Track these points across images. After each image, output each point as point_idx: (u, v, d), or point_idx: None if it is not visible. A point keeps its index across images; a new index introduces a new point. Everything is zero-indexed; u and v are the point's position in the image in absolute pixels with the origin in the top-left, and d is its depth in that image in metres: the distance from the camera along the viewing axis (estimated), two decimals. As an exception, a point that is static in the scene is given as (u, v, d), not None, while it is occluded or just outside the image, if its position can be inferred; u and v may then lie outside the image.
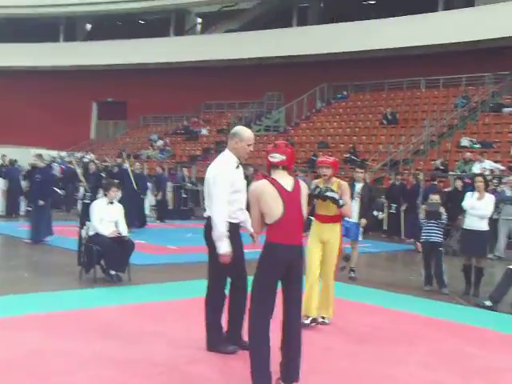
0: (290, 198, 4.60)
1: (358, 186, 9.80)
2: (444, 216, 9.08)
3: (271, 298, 4.56)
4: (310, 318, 6.44)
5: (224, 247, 5.13)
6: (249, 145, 5.39)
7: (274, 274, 4.56)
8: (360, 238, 9.90)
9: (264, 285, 4.56)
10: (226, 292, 5.44)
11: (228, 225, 5.19)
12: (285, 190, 4.61)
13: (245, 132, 5.42)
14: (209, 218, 5.27)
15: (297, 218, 4.63)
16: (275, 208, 4.56)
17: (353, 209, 9.41)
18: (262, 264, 4.59)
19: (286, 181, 4.68)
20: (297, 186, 4.69)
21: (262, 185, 4.66)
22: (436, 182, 16.12)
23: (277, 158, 4.76)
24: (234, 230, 5.33)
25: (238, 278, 5.43)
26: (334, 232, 6.55)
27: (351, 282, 9.49)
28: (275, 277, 4.57)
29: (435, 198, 9.37)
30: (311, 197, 5.97)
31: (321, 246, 6.54)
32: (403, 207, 16.18)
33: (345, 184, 6.66)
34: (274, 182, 4.63)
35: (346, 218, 9.28)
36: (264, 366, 4.46)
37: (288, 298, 4.64)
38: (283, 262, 4.55)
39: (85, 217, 13.38)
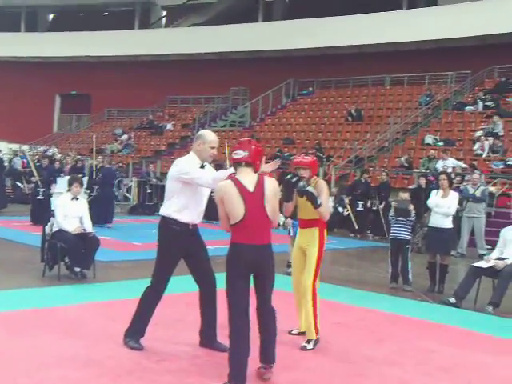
0: (251, 199, 4.59)
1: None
2: (413, 213, 9.15)
3: (243, 297, 4.58)
4: (298, 331, 6.17)
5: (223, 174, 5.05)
6: (212, 147, 5.39)
7: (240, 273, 4.59)
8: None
9: (233, 285, 4.61)
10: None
11: (182, 224, 5.32)
12: (246, 190, 4.61)
13: (209, 135, 5.45)
14: (163, 217, 5.40)
15: (260, 217, 4.62)
16: (237, 209, 4.58)
17: None
18: (228, 265, 4.67)
19: (249, 179, 4.66)
20: (260, 185, 4.65)
21: (224, 186, 4.67)
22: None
23: (239, 154, 4.73)
24: (189, 229, 5.41)
25: (204, 276, 5.52)
26: (312, 238, 6.02)
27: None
28: (242, 276, 4.60)
29: (405, 195, 9.45)
30: (288, 188, 5.61)
31: (301, 253, 6.14)
32: (381, 206, 15.63)
33: (322, 183, 6.06)
34: (237, 182, 4.63)
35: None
36: (241, 365, 4.50)
37: (260, 294, 4.73)
38: (248, 262, 4.59)
39: (38, 213, 13.29)
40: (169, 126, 30.81)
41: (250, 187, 4.63)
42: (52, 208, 13.75)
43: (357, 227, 16.17)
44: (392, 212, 9.39)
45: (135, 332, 5.48)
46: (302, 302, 6.02)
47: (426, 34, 24.99)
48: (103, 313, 6.64)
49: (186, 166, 5.30)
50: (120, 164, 23.41)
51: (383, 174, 16.93)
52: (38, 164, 17.54)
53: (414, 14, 26.38)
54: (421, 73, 25.13)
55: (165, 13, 38.44)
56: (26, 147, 29.66)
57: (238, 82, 29.68)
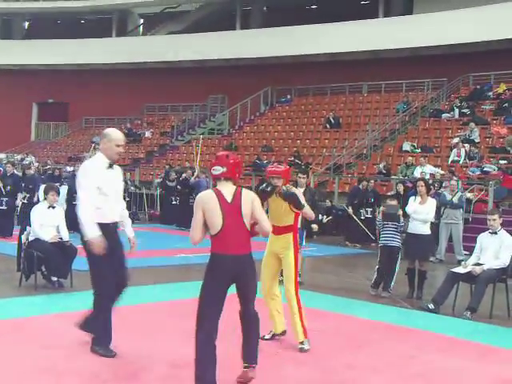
0: (229, 210, 4.65)
1: (301, 191, 9.80)
2: (402, 220, 9.17)
3: (215, 310, 4.62)
4: (272, 333, 6.23)
5: (90, 232, 5.24)
6: (118, 145, 5.50)
7: (218, 284, 4.62)
8: (304, 243, 9.91)
9: (209, 296, 4.63)
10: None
11: (100, 225, 5.34)
12: (225, 201, 4.67)
13: (114, 133, 5.59)
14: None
15: (239, 228, 4.68)
16: (216, 219, 4.63)
17: None
18: (207, 275, 4.67)
19: (228, 191, 4.73)
20: (237, 197, 4.71)
21: (206, 196, 4.74)
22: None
23: (217, 170, 4.78)
24: (109, 230, 5.47)
25: (121, 277, 5.62)
26: (287, 244, 6.12)
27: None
28: (220, 287, 4.62)
29: (393, 202, 9.49)
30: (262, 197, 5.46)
31: (274, 260, 6.24)
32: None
33: (296, 190, 6.32)
34: (218, 194, 4.69)
35: None
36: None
37: (243, 300, 4.82)
38: (227, 272, 4.63)
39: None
40: (147, 134, 30.70)
41: (229, 198, 4.69)
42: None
43: (373, 237, 14.70)
44: (380, 217, 9.42)
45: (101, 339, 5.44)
46: (289, 310, 6.10)
47: (402, 42, 25.19)
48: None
49: (83, 177, 5.44)
50: None
51: (371, 181, 16.55)
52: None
53: (389, 22, 26.59)
54: (398, 80, 25.33)
55: (142, 21, 38.36)
56: (2, 155, 29.36)
57: (216, 89, 29.68)
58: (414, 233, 9.03)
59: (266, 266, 6.25)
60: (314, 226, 9.82)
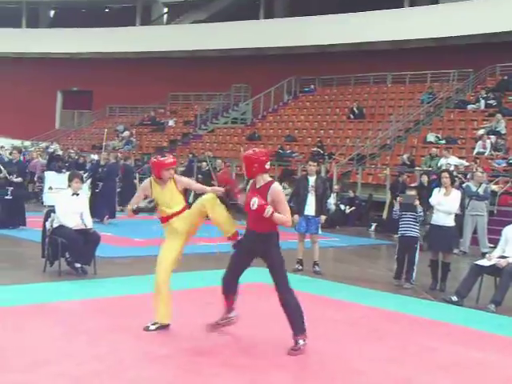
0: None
1: (312, 180, 9.80)
2: (419, 210, 9.10)
3: None
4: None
5: None
6: None
7: None
8: (319, 232, 9.91)
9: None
10: None
11: None
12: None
13: None
14: None
15: None
16: None
17: (309, 202, 9.54)
18: (278, 249, 5.66)
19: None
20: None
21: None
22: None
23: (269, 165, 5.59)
24: None
25: None
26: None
27: (317, 277, 9.47)
28: None
29: (412, 192, 9.43)
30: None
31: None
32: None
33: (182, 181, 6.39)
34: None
35: (306, 213, 9.38)
36: None
37: None
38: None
39: (5, 216, 12.58)
40: (170, 123, 30.78)
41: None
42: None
43: None
44: (397, 207, 9.37)
45: None
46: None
47: (427, 32, 24.90)
48: (103, 309, 6.61)
49: None
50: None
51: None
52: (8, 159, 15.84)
53: (415, 12, 26.29)
54: (423, 71, 25.07)
55: (166, 9, 38.37)
56: (28, 143, 29.67)
57: (239, 79, 29.62)
58: (438, 224, 8.94)
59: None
60: (322, 218, 9.79)
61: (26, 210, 13.17)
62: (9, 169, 12.87)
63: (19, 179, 12.94)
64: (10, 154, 14.96)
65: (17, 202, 12.77)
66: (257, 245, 5.59)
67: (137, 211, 6.17)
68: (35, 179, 20.58)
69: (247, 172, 5.61)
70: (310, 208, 9.61)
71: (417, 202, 9.11)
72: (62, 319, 6.08)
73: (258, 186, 5.53)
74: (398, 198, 9.62)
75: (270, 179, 5.61)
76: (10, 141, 25.87)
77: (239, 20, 30.63)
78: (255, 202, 5.39)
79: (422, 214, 9.16)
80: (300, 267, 9.81)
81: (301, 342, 5.47)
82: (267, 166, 5.58)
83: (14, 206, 12.70)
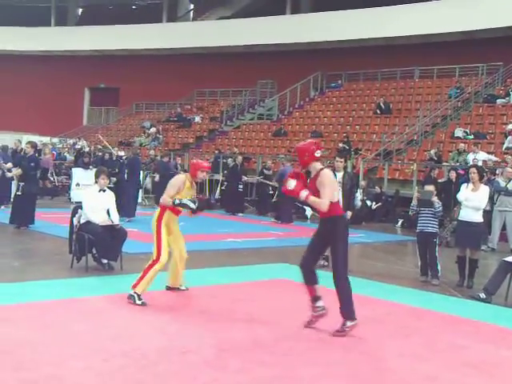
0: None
1: (339, 176, 9.74)
2: (437, 205, 9.01)
3: None
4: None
5: None
6: None
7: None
8: None
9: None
10: None
11: None
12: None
13: None
14: None
15: None
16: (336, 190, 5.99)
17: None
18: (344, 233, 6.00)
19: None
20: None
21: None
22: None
23: (319, 153, 5.92)
24: None
25: None
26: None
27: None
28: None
29: (430, 187, 9.34)
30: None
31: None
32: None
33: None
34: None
35: None
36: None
37: None
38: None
39: (16, 212, 12.21)
40: (197, 119, 30.89)
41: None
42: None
43: None
44: (414, 203, 9.29)
45: None
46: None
47: (456, 26, 24.63)
48: (130, 304, 6.65)
49: None
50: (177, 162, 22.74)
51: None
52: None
53: (443, 5, 25.98)
54: (451, 65, 24.79)
55: (192, 6, 38.48)
56: (56, 140, 30.01)
57: (265, 74, 29.60)
58: (466, 220, 8.82)
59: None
60: (349, 214, 9.73)
61: (36, 207, 12.69)
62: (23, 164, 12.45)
63: (13, 171, 12.80)
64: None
65: (27, 199, 12.23)
66: (322, 228, 5.96)
67: (180, 205, 6.82)
68: (48, 175, 20.68)
69: (301, 162, 6.02)
70: None
71: (434, 198, 9.01)
72: (89, 314, 6.13)
73: (311, 176, 5.88)
74: (416, 194, 9.52)
75: (320, 167, 5.91)
76: (38, 138, 26.19)
77: (265, 16, 30.59)
78: (291, 183, 5.75)
79: (440, 209, 9.05)
80: (326, 263, 9.76)
81: (348, 323, 5.80)
82: (317, 154, 5.92)
83: (24, 203, 12.27)
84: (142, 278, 6.69)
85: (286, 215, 16.20)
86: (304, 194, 5.70)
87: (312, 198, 5.72)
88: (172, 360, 4.94)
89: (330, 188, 5.76)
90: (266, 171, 19.21)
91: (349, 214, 9.76)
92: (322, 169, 5.89)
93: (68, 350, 4.99)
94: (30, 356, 4.80)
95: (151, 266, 6.75)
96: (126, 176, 15.02)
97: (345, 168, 10.28)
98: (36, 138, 25.69)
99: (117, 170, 14.89)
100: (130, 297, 6.64)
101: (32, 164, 12.43)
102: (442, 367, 5.22)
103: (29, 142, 13.09)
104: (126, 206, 14.01)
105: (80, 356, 4.87)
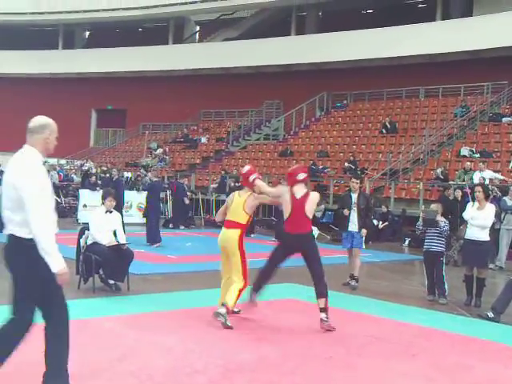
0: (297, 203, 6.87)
1: (354, 196, 9.92)
2: (442, 224, 8.99)
3: None
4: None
5: (58, 263, 4.13)
6: (57, 138, 4.58)
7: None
8: (363, 247, 10.00)
9: None
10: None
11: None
12: (295, 197, 6.88)
13: (53, 122, 4.53)
14: (9, 237, 4.21)
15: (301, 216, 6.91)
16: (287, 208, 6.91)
17: (352, 219, 9.63)
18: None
19: (300, 191, 6.94)
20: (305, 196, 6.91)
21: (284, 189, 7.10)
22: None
23: (302, 176, 7.01)
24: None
25: (53, 305, 4.49)
26: (230, 237, 7.04)
27: (351, 292, 9.41)
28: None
29: (434, 206, 9.33)
30: None
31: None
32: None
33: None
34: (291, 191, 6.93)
35: (349, 229, 9.49)
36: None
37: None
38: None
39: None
40: (203, 140, 31.01)
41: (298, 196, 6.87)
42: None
43: None
44: (420, 222, 9.30)
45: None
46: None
47: (460, 45, 24.72)
48: (137, 325, 6.66)
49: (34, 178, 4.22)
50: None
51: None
52: None
53: (448, 26, 26.13)
54: (456, 84, 24.86)
55: (198, 28, 38.82)
56: (63, 161, 30.17)
57: (271, 95, 29.77)
58: (472, 239, 8.81)
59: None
60: (363, 231, 9.83)
61: None
62: None
63: None
64: None
65: None
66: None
67: None
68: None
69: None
70: (353, 225, 9.81)
71: (438, 218, 9.00)
72: (96, 335, 6.14)
73: (297, 197, 6.89)
74: (421, 214, 9.54)
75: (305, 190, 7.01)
76: (44, 158, 26.33)
77: (270, 37, 30.82)
78: (245, 168, 7.11)
79: (446, 228, 9.03)
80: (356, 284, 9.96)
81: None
82: (298, 178, 6.96)
83: None
84: (235, 300, 6.83)
85: (280, 234, 15.89)
86: (252, 177, 6.92)
87: (259, 182, 6.94)
88: (179, 380, 4.95)
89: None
90: None
91: (363, 232, 9.88)
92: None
93: (75, 369, 4.99)
94: (37, 378, 4.81)
95: (244, 287, 6.95)
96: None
97: (360, 189, 10.37)
98: (42, 159, 25.89)
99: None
100: (219, 316, 6.64)
101: None
102: (449, 387, 5.20)
103: None
104: (149, 232, 13.84)
105: (87, 376, 4.88)
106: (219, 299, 6.99)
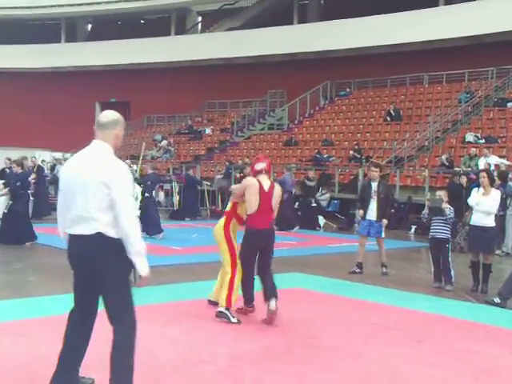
0: (265, 196, 6.54)
1: (374, 185, 9.99)
2: (448, 212, 8.97)
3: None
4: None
5: (147, 265, 4.17)
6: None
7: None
8: (383, 235, 10.17)
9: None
10: None
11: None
12: (263, 189, 6.54)
13: (123, 118, 4.41)
14: (94, 237, 4.02)
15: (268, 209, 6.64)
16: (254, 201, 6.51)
17: (371, 207, 9.71)
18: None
19: (266, 183, 6.61)
20: (271, 188, 6.62)
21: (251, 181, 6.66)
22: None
23: (260, 165, 6.63)
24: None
25: (130, 309, 4.45)
26: (217, 225, 6.91)
27: (357, 280, 9.43)
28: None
29: (440, 193, 9.30)
30: None
31: None
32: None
33: None
34: (259, 182, 6.55)
35: (368, 217, 9.56)
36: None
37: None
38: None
39: (4, 230, 12.01)
40: (207, 131, 31.00)
41: (266, 188, 6.53)
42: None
43: None
44: (426, 211, 9.29)
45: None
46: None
47: (464, 30, 24.59)
48: (142, 316, 6.65)
49: (127, 178, 4.10)
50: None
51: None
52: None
53: (451, 10, 26.00)
54: (460, 70, 24.75)
55: (200, 18, 38.72)
56: (68, 155, 30.19)
57: (275, 84, 29.70)
58: (477, 225, 8.78)
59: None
60: (384, 221, 9.93)
61: (50, 223, 12.10)
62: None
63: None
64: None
65: (15, 218, 12.10)
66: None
67: None
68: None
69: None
70: (372, 213, 9.90)
71: (444, 205, 8.98)
72: (104, 327, 6.16)
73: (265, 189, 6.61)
74: (426, 202, 9.55)
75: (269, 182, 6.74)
76: (50, 153, 26.41)
77: (273, 26, 30.72)
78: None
79: (451, 215, 9.01)
80: (358, 270, 9.97)
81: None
82: (256, 168, 6.68)
83: (11, 222, 12.13)
84: (230, 294, 6.47)
85: (285, 223, 15.80)
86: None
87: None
88: (186, 370, 4.98)
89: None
90: (308, 182, 18.12)
91: (384, 221, 9.97)
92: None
93: (84, 362, 5.03)
94: (45, 371, 4.84)
95: (233, 277, 6.59)
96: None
97: (380, 177, 10.42)
98: (48, 154, 25.96)
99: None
100: (221, 314, 6.47)
101: (18, 183, 12.24)
102: (456, 373, 5.21)
103: (14, 161, 12.75)
104: (151, 223, 13.43)
105: (95, 368, 4.91)
106: (214, 286, 7.00)
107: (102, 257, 4.04)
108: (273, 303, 6.35)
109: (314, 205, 17.93)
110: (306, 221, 17.42)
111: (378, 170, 10.31)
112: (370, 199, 9.95)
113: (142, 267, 4.10)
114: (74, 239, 4.18)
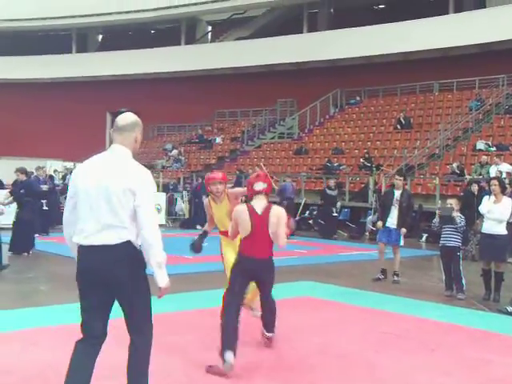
0: (258, 220, 5.44)
1: (397, 193, 10.06)
2: (459, 220, 8.93)
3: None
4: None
5: (166, 277, 4.08)
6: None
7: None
8: (401, 243, 10.27)
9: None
10: None
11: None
12: (255, 212, 5.46)
13: (140, 121, 4.33)
14: (121, 246, 3.87)
15: (263, 235, 5.49)
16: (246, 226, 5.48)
17: (392, 215, 9.76)
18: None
19: (260, 205, 5.52)
20: (266, 210, 5.48)
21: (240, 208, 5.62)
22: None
23: (260, 186, 5.58)
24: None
25: (149, 320, 4.30)
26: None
27: (369, 289, 9.38)
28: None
29: (451, 201, 9.26)
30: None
31: None
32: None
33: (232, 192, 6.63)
34: (249, 207, 5.50)
35: (387, 224, 9.74)
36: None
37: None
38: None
39: (14, 239, 11.92)
40: (218, 140, 31.06)
41: (259, 211, 5.46)
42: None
43: None
44: (436, 219, 9.26)
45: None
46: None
47: (474, 38, 24.53)
48: (154, 326, 6.68)
49: (151, 193, 3.93)
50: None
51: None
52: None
53: (461, 18, 25.94)
54: (470, 77, 24.68)
55: (210, 28, 38.87)
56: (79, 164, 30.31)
57: (285, 93, 29.73)
58: (489, 233, 8.75)
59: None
60: (403, 230, 9.96)
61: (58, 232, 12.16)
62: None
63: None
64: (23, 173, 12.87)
65: (23, 226, 12.18)
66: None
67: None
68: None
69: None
70: (392, 220, 10.02)
71: (454, 214, 8.94)
72: (115, 335, 6.15)
73: (258, 212, 5.52)
74: (437, 211, 9.52)
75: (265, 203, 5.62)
76: (61, 163, 26.54)
77: (282, 35, 30.78)
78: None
79: (462, 223, 8.96)
80: (382, 276, 10.03)
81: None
82: (255, 188, 5.60)
83: (20, 230, 12.22)
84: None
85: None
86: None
87: None
88: (197, 378, 4.97)
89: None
90: (328, 191, 18.10)
91: (403, 230, 9.99)
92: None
93: (96, 370, 5.03)
94: (56, 379, 4.85)
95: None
96: None
97: (403, 186, 10.52)
98: (60, 164, 26.08)
99: None
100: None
101: (22, 191, 12.23)
102: (468, 382, 5.18)
103: (18, 170, 12.60)
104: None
105: (107, 376, 4.91)
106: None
107: (129, 266, 3.91)
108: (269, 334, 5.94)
109: (335, 214, 17.95)
110: (327, 230, 17.48)
111: (401, 178, 10.43)
112: (391, 206, 10.04)
113: (162, 279, 3.99)
114: (93, 250, 3.90)
